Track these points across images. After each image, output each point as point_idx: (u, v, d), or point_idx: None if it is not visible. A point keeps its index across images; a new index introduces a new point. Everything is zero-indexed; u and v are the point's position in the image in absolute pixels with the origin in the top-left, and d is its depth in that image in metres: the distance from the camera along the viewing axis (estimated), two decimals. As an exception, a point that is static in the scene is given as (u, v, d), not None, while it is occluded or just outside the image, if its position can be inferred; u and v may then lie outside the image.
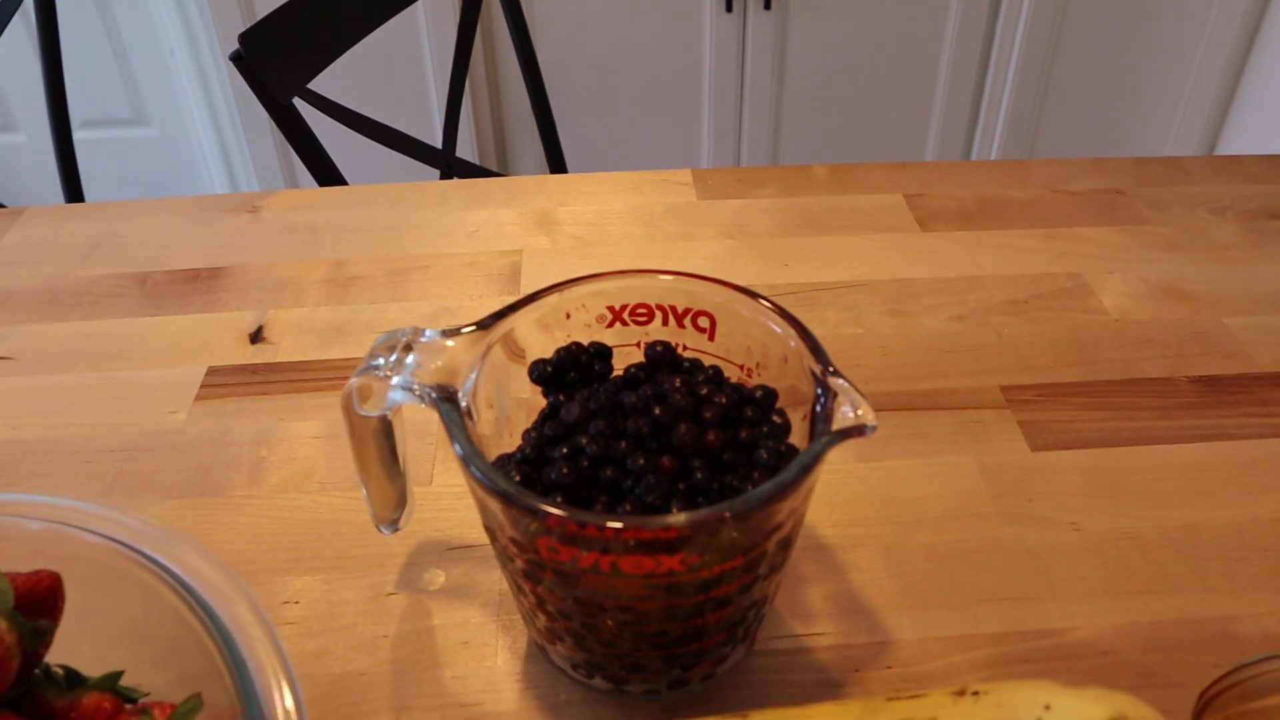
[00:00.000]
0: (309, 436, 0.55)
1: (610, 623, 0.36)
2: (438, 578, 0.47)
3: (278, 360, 0.60)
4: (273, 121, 0.86)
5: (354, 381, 0.39)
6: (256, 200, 0.76)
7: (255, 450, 0.54)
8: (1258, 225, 0.72)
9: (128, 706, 0.34)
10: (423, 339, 0.39)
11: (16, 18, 2.13)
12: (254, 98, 1.84)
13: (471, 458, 0.34)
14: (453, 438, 0.35)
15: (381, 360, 0.38)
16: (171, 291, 0.66)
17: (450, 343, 0.39)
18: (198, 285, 0.67)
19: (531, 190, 0.77)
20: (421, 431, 0.55)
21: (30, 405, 0.57)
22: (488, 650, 0.44)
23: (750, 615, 0.39)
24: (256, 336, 0.62)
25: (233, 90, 1.91)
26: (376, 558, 0.48)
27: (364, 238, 0.71)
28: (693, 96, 1.97)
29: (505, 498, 0.33)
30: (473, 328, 0.40)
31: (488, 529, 0.38)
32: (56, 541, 0.34)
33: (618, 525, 0.31)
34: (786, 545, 0.37)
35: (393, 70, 1.86)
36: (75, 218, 0.75)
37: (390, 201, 0.76)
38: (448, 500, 0.51)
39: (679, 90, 1.96)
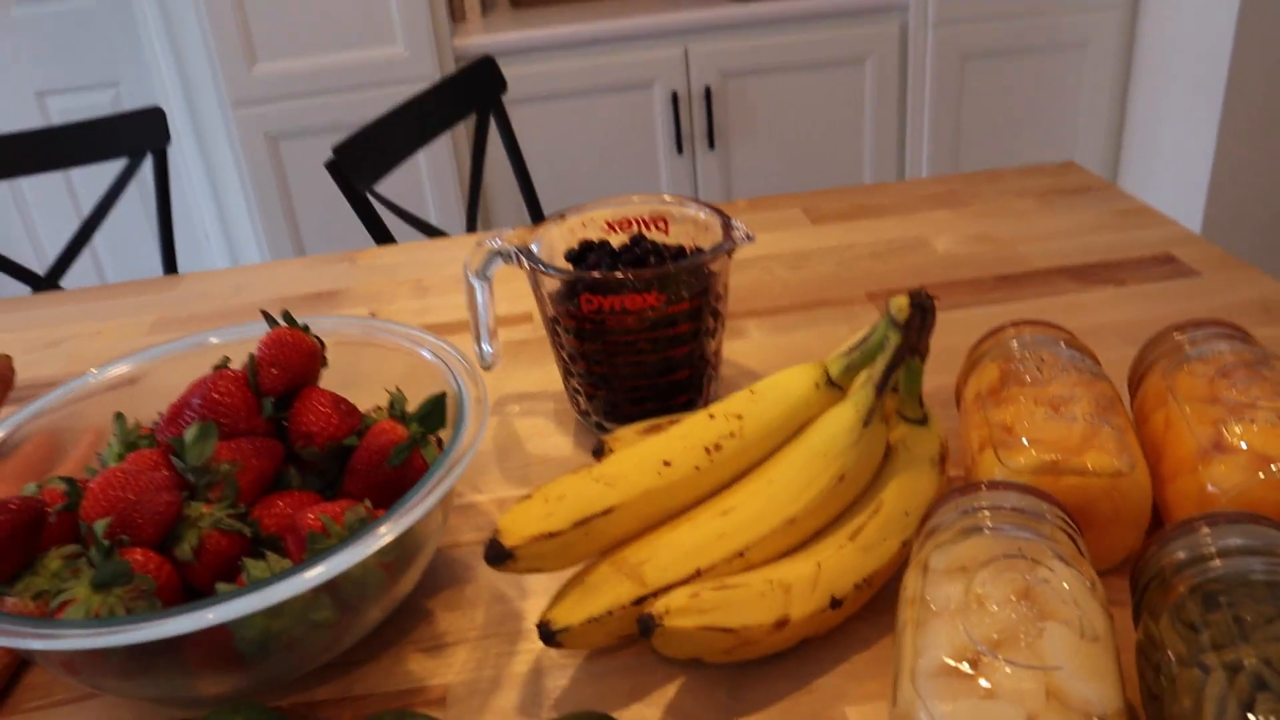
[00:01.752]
0: (418, 359, 0.84)
1: (621, 358, 0.65)
2: (515, 408, 0.76)
3: (387, 328, 0.90)
4: (356, 214, 1.18)
5: (469, 255, 0.69)
6: (351, 256, 1.07)
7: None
8: (1047, 199, 1.04)
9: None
10: (504, 231, 0.69)
11: (63, 191, 2.52)
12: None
13: (542, 261, 0.64)
14: (534, 262, 0.65)
15: (484, 243, 0.69)
16: (304, 305, 0.96)
17: (516, 232, 0.69)
18: (321, 301, 0.97)
19: (542, 234, 1.08)
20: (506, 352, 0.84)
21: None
22: (550, 432, 0.73)
23: (700, 366, 0.68)
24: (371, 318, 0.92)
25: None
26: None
27: (429, 268, 1.02)
28: (658, 224, 2.32)
29: (565, 275, 0.63)
30: (529, 226, 0.70)
31: (546, 320, 0.67)
32: (362, 333, 0.64)
33: (626, 271, 0.61)
34: (715, 315, 0.67)
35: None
36: (218, 277, 1.06)
37: (440, 249, 1.07)
38: (518, 375, 0.80)
39: (646, 220, 2.32)
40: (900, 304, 0.51)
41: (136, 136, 1.45)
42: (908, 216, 1.03)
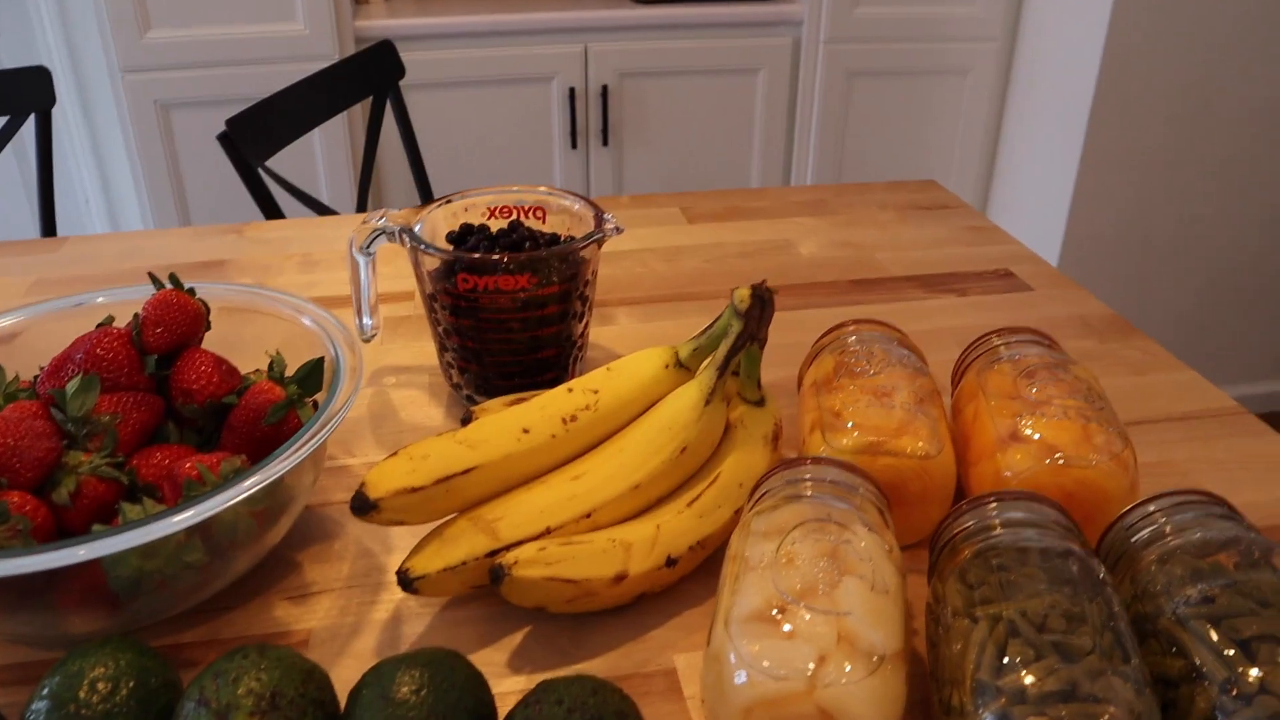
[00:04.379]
0: (300, 331, 0.87)
1: (492, 335, 0.69)
2: (391, 379, 0.80)
3: (271, 299, 0.93)
4: (246, 187, 1.19)
5: (355, 231, 0.72)
6: (239, 228, 1.09)
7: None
8: (907, 214, 1.12)
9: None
10: (390, 211, 0.73)
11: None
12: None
13: (424, 240, 0.68)
14: (416, 241, 0.69)
15: (369, 220, 0.72)
16: (190, 274, 0.98)
17: (401, 212, 0.73)
18: (208, 270, 0.99)
19: (430, 218, 1.12)
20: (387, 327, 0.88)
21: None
22: (423, 403, 0.77)
23: (566, 347, 0.73)
24: (255, 289, 0.94)
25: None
26: (353, 374, 0.80)
27: (318, 243, 1.05)
28: (551, 217, 2.37)
29: (444, 254, 0.67)
30: (415, 208, 0.74)
31: (425, 297, 0.71)
32: (247, 299, 0.66)
33: (500, 253, 0.66)
34: (583, 301, 0.72)
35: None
36: (102, 241, 1.06)
37: (329, 225, 1.10)
38: (396, 349, 0.84)
39: (539, 212, 2.36)
40: (742, 295, 0.57)
41: (20, 95, 1.43)
42: (778, 220, 1.10)
